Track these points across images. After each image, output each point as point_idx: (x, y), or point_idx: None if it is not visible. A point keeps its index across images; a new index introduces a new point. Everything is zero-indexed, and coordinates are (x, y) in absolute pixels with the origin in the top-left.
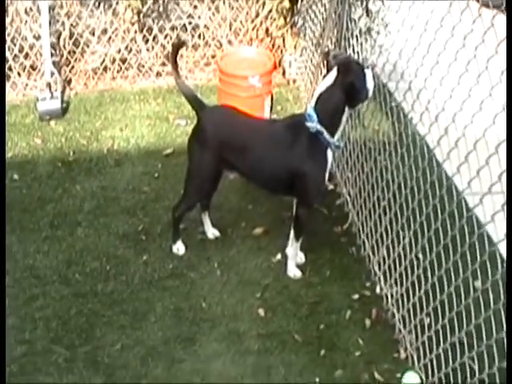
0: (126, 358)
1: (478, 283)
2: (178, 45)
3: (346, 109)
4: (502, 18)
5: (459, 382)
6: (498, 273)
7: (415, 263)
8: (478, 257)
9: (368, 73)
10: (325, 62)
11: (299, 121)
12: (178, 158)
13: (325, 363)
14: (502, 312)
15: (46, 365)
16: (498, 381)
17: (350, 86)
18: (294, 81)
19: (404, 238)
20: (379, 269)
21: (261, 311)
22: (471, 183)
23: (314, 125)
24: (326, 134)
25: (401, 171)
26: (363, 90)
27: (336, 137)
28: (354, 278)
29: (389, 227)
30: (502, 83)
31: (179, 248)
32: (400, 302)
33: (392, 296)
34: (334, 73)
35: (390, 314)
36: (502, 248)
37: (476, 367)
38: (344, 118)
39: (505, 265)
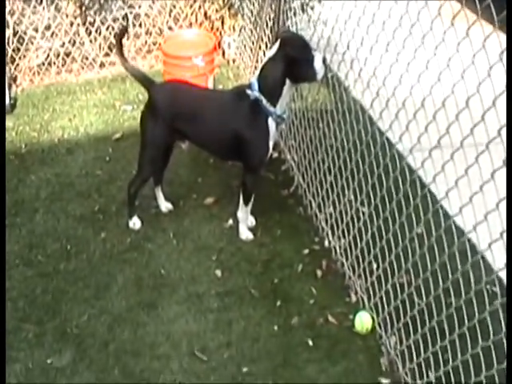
0: (93, 326)
1: (418, 230)
2: (122, 32)
3: (288, 81)
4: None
5: (406, 314)
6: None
7: (358, 216)
8: (412, 202)
9: (317, 55)
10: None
11: (243, 89)
12: (127, 141)
13: (281, 313)
14: (435, 247)
15: (16, 341)
16: (434, 306)
17: (288, 57)
18: (234, 60)
19: (346, 194)
20: (326, 224)
21: (218, 272)
22: (402, 137)
23: (253, 93)
24: (266, 103)
25: (338, 136)
26: (307, 68)
27: (279, 107)
28: (303, 235)
29: (332, 186)
30: (425, 45)
31: (135, 223)
32: (348, 251)
33: (340, 247)
34: (276, 45)
35: (339, 264)
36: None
37: (416, 300)
38: (285, 90)
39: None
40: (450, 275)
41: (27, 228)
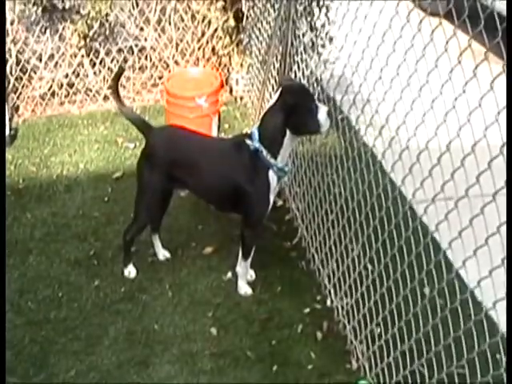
0: None
1: (426, 290)
2: (118, 73)
3: (288, 132)
4: (445, 27)
5: None
6: (444, 279)
7: (364, 274)
8: (425, 266)
9: (322, 106)
10: (271, 81)
11: (243, 139)
12: (128, 180)
13: (277, 378)
14: (449, 317)
15: None
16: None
17: (288, 106)
18: (242, 98)
19: (352, 250)
20: (329, 282)
21: (213, 330)
22: (416, 193)
23: (252, 143)
24: (266, 154)
25: (347, 185)
26: (309, 118)
27: (280, 159)
28: (304, 293)
29: (337, 240)
30: (443, 95)
31: (130, 271)
32: (350, 313)
33: (342, 308)
34: (278, 93)
35: (341, 326)
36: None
37: (426, 373)
38: (286, 142)
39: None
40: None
41: (19, 271)
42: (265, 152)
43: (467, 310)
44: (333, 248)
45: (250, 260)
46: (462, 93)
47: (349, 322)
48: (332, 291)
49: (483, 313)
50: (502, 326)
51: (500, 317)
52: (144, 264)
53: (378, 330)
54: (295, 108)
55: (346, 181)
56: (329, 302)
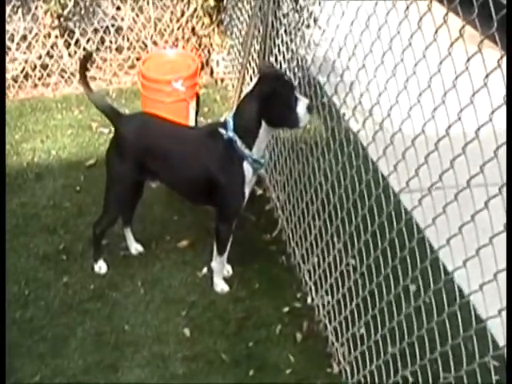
0: None
1: (413, 288)
2: (86, 58)
3: (264, 123)
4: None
5: None
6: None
7: (347, 272)
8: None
9: (302, 99)
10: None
11: (216, 128)
12: (101, 168)
13: None
14: (447, 322)
15: None
16: None
17: (265, 96)
18: (222, 80)
19: (334, 245)
20: (310, 278)
21: (186, 331)
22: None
23: (226, 132)
24: (241, 145)
25: (329, 176)
26: (286, 111)
27: (256, 150)
28: (284, 290)
29: (319, 234)
30: (442, 73)
31: (101, 267)
32: (332, 312)
33: (324, 307)
34: (255, 80)
35: (321, 326)
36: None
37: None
38: (262, 133)
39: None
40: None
41: None
42: (239, 142)
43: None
44: (314, 243)
45: (225, 255)
46: (452, 87)
47: (330, 322)
48: (313, 288)
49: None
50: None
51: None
52: (115, 259)
53: (362, 332)
54: (272, 98)
55: (328, 172)
56: (309, 300)
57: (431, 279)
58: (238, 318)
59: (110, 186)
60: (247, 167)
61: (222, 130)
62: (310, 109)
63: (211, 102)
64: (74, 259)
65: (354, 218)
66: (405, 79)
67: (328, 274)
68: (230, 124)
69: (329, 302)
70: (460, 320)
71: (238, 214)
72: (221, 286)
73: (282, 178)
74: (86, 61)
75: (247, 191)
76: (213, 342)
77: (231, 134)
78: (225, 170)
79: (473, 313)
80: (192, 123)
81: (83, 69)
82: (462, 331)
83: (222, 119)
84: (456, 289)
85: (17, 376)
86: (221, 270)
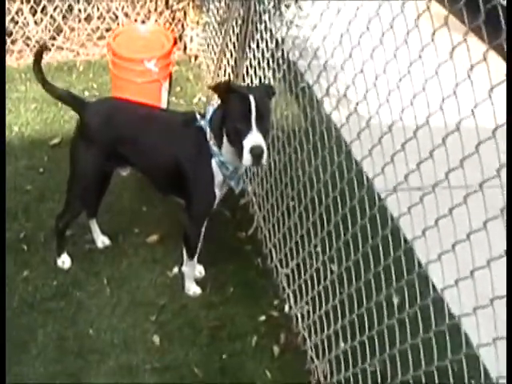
0: None
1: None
2: (41, 49)
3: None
4: None
5: None
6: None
7: (329, 278)
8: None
9: (249, 137)
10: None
11: (194, 115)
12: (65, 148)
13: None
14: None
15: None
16: None
17: (225, 109)
18: (196, 57)
19: (316, 249)
20: (288, 285)
21: (156, 339)
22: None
23: (200, 119)
24: (210, 138)
25: (307, 169)
26: (235, 139)
27: (224, 153)
28: (259, 296)
29: (297, 237)
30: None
31: (64, 261)
32: (312, 325)
33: (303, 317)
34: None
35: (300, 339)
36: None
37: None
38: (226, 143)
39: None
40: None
41: None
42: (209, 134)
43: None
44: (293, 246)
45: (195, 258)
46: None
47: (309, 335)
48: (291, 296)
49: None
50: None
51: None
52: (80, 252)
53: (344, 349)
54: (228, 117)
55: (306, 165)
56: (287, 309)
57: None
58: (211, 326)
59: (75, 179)
60: (216, 167)
61: (198, 116)
62: (254, 155)
63: (184, 81)
64: (35, 250)
65: (327, 223)
66: (397, 73)
67: (308, 282)
68: (209, 114)
69: (309, 314)
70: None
71: (207, 216)
72: (193, 289)
73: (259, 170)
74: (41, 53)
75: (218, 193)
76: (184, 353)
77: (203, 123)
78: (193, 163)
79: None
80: (164, 105)
81: (38, 61)
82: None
83: (195, 100)
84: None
85: None
86: (192, 273)
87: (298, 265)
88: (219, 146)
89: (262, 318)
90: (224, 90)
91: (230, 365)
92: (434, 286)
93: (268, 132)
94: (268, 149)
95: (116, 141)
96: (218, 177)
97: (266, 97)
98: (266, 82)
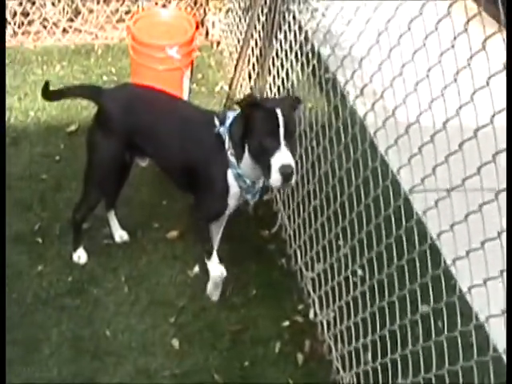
0: None
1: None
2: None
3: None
4: None
5: None
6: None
7: (356, 287)
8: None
9: (278, 154)
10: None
11: (213, 116)
12: (82, 136)
13: None
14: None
15: None
16: None
17: (247, 124)
18: (218, 43)
19: (339, 250)
20: (313, 289)
21: (175, 342)
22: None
23: (219, 126)
24: (229, 147)
25: (344, 166)
26: (262, 157)
27: (243, 167)
28: (283, 299)
29: (325, 238)
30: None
31: (80, 256)
32: (339, 334)
33: (329, 325)
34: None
35: (325, 348)
36: None
37: None
38: (247, 157)
39: None
40: None
41: None
42: (227, 144)
43: None
44: (320, 250)
45: (214, 256)
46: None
47: (336, 344)
48: (316, 301)
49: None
50: None
51: None
52: (97, 247)
53: (372, 361)
54: (251, 132)
55: (336, 166)
56: (312, 315)
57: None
58: (233, 330)
59: (93, 166)
60: (231, 177)
61: (217, 121)
62: (283, 175)
63: (205, 68)
64: (50, 243)
65: (358, 224)
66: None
67: (337, 293)
68: (229, 120)
69: (335, 322)
70: None
71: (212, 221)
72: (218, 270)
73: None
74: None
75: (232, 203)
76: (204, 358)
77: (222, 129)
78: (208, 169)
79: None
80: (186, 94)
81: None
82: None
83: (216, 88)
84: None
85: None
86: (215, 276)
87: (324, 270)
88: (238, 158)
89: (286, 323)
90: (249, 103)
91: (252, 372)
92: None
93: (296, 149)
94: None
95: (134, 130)
96: (234, 188)
97: (292, 110)
98: (294, 75)
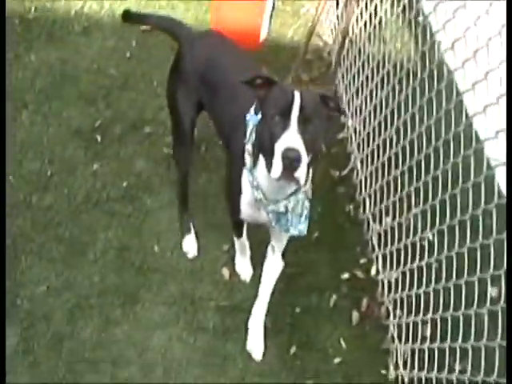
0: (50, 306)
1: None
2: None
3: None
4: None
5: None
6: None
7: (426, 258)
8: None
9: (283, 138)
10: None
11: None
12: (156, 36)
13: (293, 367)
14: None
15: None
16: None
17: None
18: None
19: (416, 215)
20: (379, 245)
21: (225, 271)
22: None
23: (251, 114)
24: (248, 141)
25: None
26: (268, 142)
27: (257, 173)
28: (345, 248)
29: (398, 186)
30: None
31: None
32: (399, 300)
33: (390, 287)
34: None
35: (383, 311)
36: None
37: None
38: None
39: None
40: None
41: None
42: (248, 137)
43: None
44: (390, 205)
45: (240, 238)
46: None
47: (395, 310)
48: (380, 259)
49: None
50: None
51: None
52: (158, 155)
53: (428, 333)
54: (264, 114)
55: (416, 116)
56: (373, 272)
57: None
58: (289, 272)
59: (172, 106)
60: (245, 179)
61: (252, 111)
62: (286, 161)
63: (280, 13)
64: (109, 142)
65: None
66: None
67: (403, 257)
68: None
69: (397, 286)
70: None
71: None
72: (243, 273)
73: (361, 104)
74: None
75: (249, 212)
76: (254, 295)
77: (255, 118)
78: (232, 158)
79: None
80: (269, 8)
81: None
82: None
83: (302, 10)
84: None
85: (19, 279)
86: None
87: (392, 228)
88: (254, 159)
89: (345, 275)
90: (263, 83)
91: (302, 321)
92: None
93: (316, 146)
94: (309, 166)
95: (202, 83)
96: (247, 195)
97: (321, 104)
98: (382, 11)
